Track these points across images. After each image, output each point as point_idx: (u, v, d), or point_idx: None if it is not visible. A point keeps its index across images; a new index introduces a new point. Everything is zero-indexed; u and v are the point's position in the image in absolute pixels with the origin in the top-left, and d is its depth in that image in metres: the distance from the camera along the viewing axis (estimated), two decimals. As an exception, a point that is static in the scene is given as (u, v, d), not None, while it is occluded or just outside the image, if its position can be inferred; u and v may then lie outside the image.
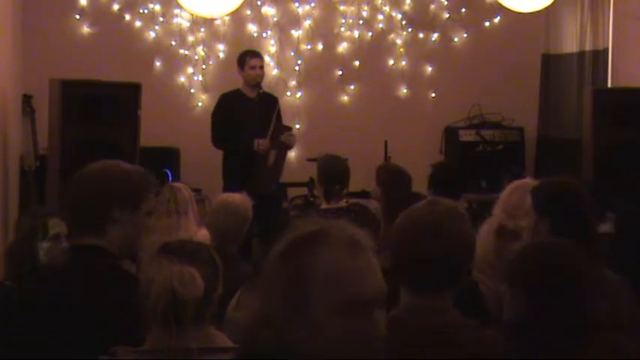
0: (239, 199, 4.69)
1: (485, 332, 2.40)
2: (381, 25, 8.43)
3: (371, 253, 1.77)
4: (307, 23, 8.30)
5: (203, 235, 4.66)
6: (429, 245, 2.40)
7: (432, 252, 2.40)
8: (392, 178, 5.30)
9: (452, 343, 2.32)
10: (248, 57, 7.14)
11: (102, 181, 2.75)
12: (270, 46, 8.18)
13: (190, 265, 2.39)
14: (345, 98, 8.42)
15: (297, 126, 8.05)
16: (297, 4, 8.26)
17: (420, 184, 5.59)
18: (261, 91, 7.10)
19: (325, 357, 1.72)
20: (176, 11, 7.95)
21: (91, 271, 2.65)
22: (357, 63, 8.38)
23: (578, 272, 2.42)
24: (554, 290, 2.38)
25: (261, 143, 6.90)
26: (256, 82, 7.06)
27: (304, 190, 6.97)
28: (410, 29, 8.46)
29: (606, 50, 8.08)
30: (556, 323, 2.35)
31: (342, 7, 8.35)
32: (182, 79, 8.10)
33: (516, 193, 3.63)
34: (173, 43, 8.04)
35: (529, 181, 3.77)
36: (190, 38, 8.09)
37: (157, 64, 8.02)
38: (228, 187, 6.78)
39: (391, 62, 8.48)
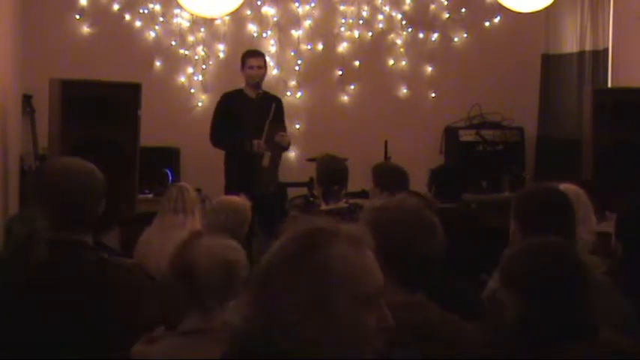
0: (238, 199, 4.70)
1: (466, 327, 2.40)
2: (381, 25, 8.43)
3: (369, 249, 1.84)
4: (307, 23, 8.29)
5: None
6: (409, 241, 2.42)
7: (411, 248, 2.41)
8: (391, 177, 5.28)
9: (432, 339, 2.33)
10: (247, 57, 7.14)
11: None
12: (270, 46, 8.18)
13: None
14: (345, 98, 8.42)
15: (297, 126, 8.05)
16: (297, 4, 8.26)
17: (420, 184, 5.60)
18: (261, 91, 7.09)
19: (346, 347, 1.76)
20: (176, 11, 7.95)
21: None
22: (357, 63, 8.38)
23: (571, 272, 2.43)
24: (550, 290, 2.39)
25: (258, 144, 6.89)
26: (255, 81, 7.05)
27: (304, 190, 6.96)
28: (410, 29, 8.46)
29: (606, 50, 8.08)
30: (552, 322, 2.36)
31: (342, 7, 8.35)
32: (182, 79, 8.10)
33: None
34: (173, 43, 8.04)
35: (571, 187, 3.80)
36: (190, 38, 8.09)
37: (157, 64, 8.01)
38: (229, 187, 6.79)
39: (391, 62, 8.48)
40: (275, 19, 8.21)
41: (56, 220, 2.81)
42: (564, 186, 3.77)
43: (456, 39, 8.55)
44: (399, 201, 2.55)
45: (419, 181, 5.74)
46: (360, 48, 8.40)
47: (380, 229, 2.40)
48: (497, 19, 8.52)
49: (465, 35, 8.55)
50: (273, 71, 8.07)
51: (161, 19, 8.01)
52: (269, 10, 8.21)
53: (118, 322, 2.64)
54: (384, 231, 2.39)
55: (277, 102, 7.24)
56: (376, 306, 1.81)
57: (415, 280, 2.42)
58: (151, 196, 7.28)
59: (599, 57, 8.11)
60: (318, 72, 8.31)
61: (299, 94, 8.25)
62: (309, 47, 8.30)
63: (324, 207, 5.43)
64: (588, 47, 8.17)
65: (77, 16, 7.83)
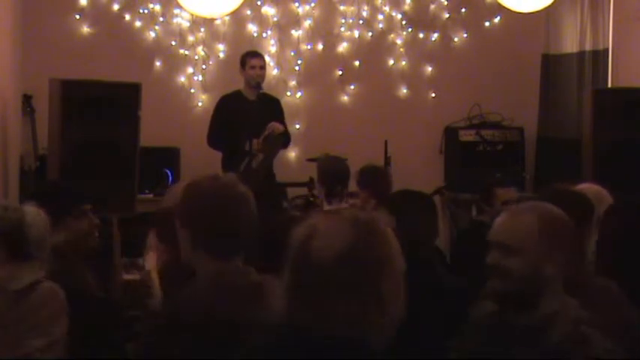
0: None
1: None
2: (381, 25, 8.43)
3: None
4: (307, 23, 8.30)
5: None
6: (218, 212, 2.56)
7: (221, 219, 2.55)
8: (378, 179, 5.27)
9: (251, 302, 2.45)
10: (248, 57, 7.14)
11: None
12: (270, 46, 8.18)
13: None
14: (345, 98, 8.42)
15: (297, 126, 8.05)
16: (297, 4, 8.26)
17: (420, 184, 5.60)
18: (261, 92, 7.09)
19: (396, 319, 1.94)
20: (176, 11, 7.96)
21: None
22: (357, 63, 8.38)
23: None
24: None
25: (254, 143, 6.86)
26: (256, 82, 7.04)
27: (304, 190, 6.96)
28: (410, 29, 8.46)
29: (606, 50, 8.08)
30: None
31: (342, 7, 8.35)
32: (182, 79, 8.10)
33: None
34: (173, 43, 8.05)
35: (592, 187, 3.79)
36: (190, 38, 8.09)
37: (157, 64, 8.02)
38: None
39: (391, 62, 8.48)
40: (275, 19, 8.22)
41: None
42: (586, 186, 3.74)
43: (456, 39, 8.55)
44: (212, 177, 2.66)
45: (419, 181, 5.73)
46: (360, 48, 8.40)
47: (191, 202, 2.57)
48: (497, 19, 8.52)
49: (465, 35, 8.55)
50: (273, 71, 8.07)
51: (161, 19, 8.01)
52: (269, 10, 8.21)
53: None
54: (194, 204, 2.56)
55: (276, 103, 7.24)
56: None
57: (227, 249, 2.53)
58: (151, 196, 7.28)
59: (599, 57, 8.10)
60: (318, 72, 8.31)
61: (299, 94, 8.26)
62: (309, 47, 8.30)
63: (327, 207, 5.43)
64: (588, 47, 8.17)
65: (77, 16, 7.84)
